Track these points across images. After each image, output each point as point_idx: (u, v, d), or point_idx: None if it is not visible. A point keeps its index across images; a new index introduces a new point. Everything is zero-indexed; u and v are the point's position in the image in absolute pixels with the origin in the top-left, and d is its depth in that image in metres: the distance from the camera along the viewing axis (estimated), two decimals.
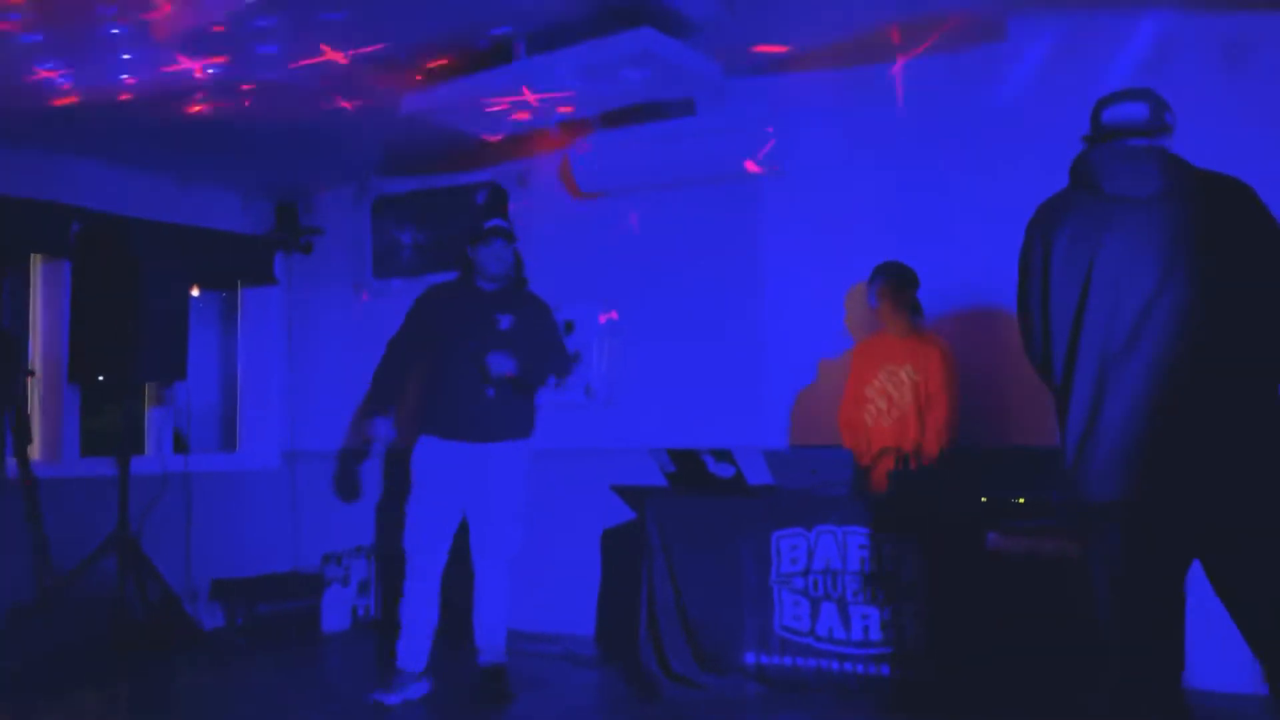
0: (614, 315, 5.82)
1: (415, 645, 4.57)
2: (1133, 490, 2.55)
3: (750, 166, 5.26)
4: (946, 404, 4.56)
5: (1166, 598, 2.58)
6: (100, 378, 5.45)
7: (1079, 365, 2.62)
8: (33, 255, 5.92)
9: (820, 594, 4.25)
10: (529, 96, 4.75)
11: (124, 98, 4.87)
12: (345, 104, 5.11)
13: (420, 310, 4.79)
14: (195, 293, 6.10)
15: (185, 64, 4.50)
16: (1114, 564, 2.61)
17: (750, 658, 4.37)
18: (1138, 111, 2.73)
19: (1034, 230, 2.80)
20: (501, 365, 4.51)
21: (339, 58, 4.45)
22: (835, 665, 4.20)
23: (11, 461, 5.28)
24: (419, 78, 4.83)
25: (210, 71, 4.58)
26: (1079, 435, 2.62)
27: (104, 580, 5.27)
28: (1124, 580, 2.59)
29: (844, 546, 4.22)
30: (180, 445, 6.39)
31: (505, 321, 4.64)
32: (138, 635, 5.33)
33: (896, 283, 4.64)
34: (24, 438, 5.30)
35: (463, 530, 4.68)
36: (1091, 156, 2.74)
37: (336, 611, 6.11)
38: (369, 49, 4.38)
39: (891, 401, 4.67)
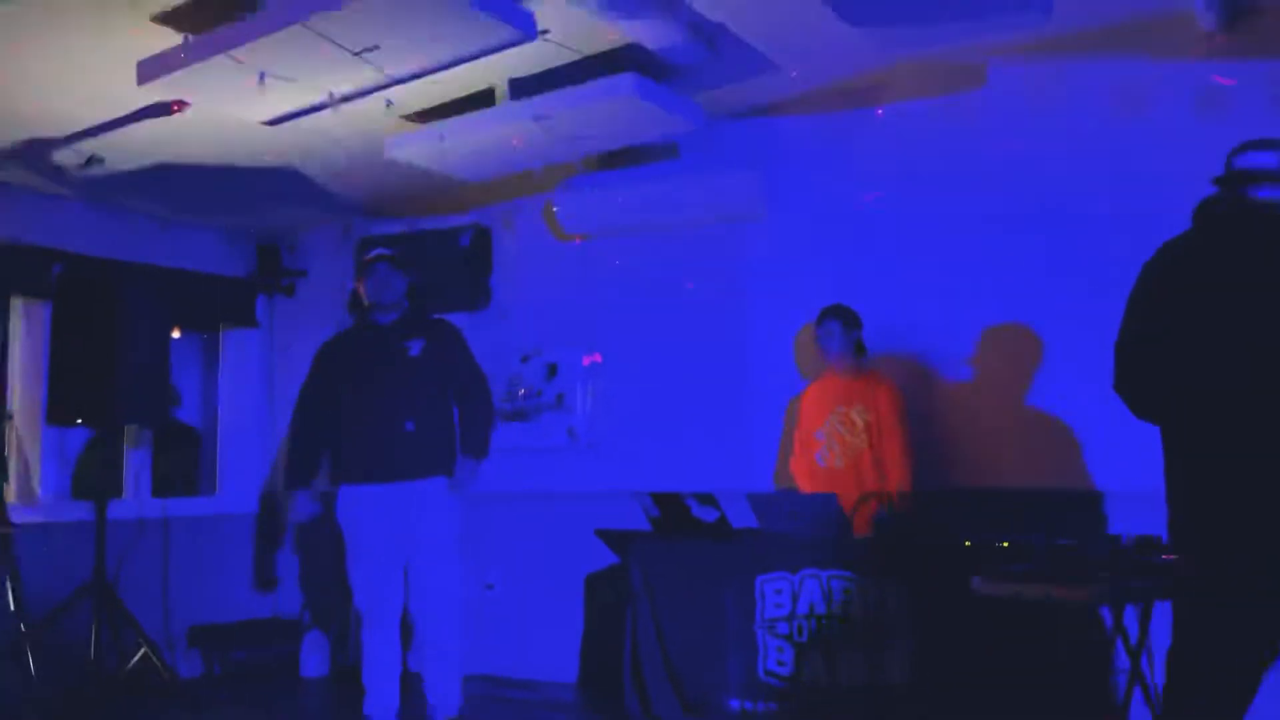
0: (598, 358, 5.81)
1: (383, 703, 4.46)
2: (1264, 542, 2.53)
3: (733, 209, 5.28)
4: (899, 441, 4.57)
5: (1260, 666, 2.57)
6: (79, 420, 5.40)
7: (1200, 413, 2.61)
8: (13, 297, 5.89)
9: (805, 639, 4.22)
10: (514, 140, 4.76)
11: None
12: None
13: (321, 362, 4.64)
14: (176, 335, 6.07)
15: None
16: (1221, 623, 2.59)
17: (735, 703, 4.31)
18: (1268, 160, 2.79)
19: (1151, 270, 2.81)
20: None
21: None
22: (820, 710, 4.16)
23: None
24: (403, 120, 4.85)
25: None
26: (1202, 485, 2.60)
27: (79, 627, 5.18)
28: (1227, 642, 2.57)
29: (828, 591, 4.19)
30: (162, 487, 6.33)
31: (415, 348, 4.49)
32: (113, 683, 5.25)
33: (844, 323, 4.67)
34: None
35: None
36: (1214, 203, 2.77)
37: (316, 657, 6.04)
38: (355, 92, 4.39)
39: (844, 443, 4.67)
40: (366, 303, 4.58)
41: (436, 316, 4.76)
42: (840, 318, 4.67)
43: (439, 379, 4.52)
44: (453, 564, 4.49)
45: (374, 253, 4.60)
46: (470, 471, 4.48)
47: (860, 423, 4.63)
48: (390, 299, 4.54)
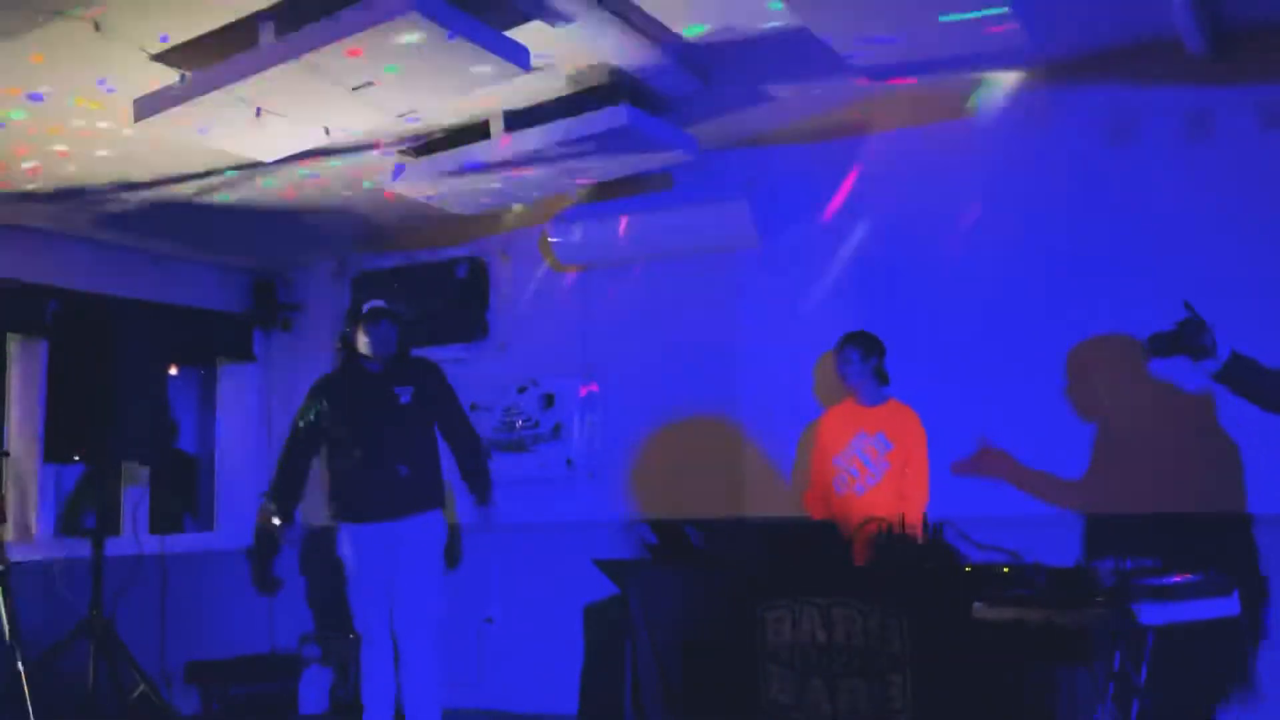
0: (594, 387, 5.82)
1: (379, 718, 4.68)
2: None
3: (727, 238, 5.31)
4: (922, 469, 4.54)
5: None
6: (76, 457, 5.38)
7: None
8: (9, 334, 5.89)
9: (806, 667, 4.20)
10: (508, 172, 4.79)
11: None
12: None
13: (314, 402, 4.82)
14: (173, 371, 6.06)
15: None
16: None
17: None
18: None
19: None
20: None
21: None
22: None
23: None
24: (399, 154, 4.87)
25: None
26: None
27: (77, 664, 5.15)
28: None
29: (829, 619, 4.18)
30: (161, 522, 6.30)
31: (405, 395, 4.72)
32: None
33: (863, 351, 4.64)
34: None
35: None
36: None
37: (314, 693, 6.00)
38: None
39: (865, 470, 4.64)
40: (361, 350, 4.73)
41: (416, 354, 4.97)
42: (858, 345, 4.61)
43: (427, 420, 4.79)
44: (432, 590, 4.71)
45: (370, 306, 4.73)
46: (485, 512, 4.85)
47: (883, 449, 4.61)
48: (385, 352, 4.73)
